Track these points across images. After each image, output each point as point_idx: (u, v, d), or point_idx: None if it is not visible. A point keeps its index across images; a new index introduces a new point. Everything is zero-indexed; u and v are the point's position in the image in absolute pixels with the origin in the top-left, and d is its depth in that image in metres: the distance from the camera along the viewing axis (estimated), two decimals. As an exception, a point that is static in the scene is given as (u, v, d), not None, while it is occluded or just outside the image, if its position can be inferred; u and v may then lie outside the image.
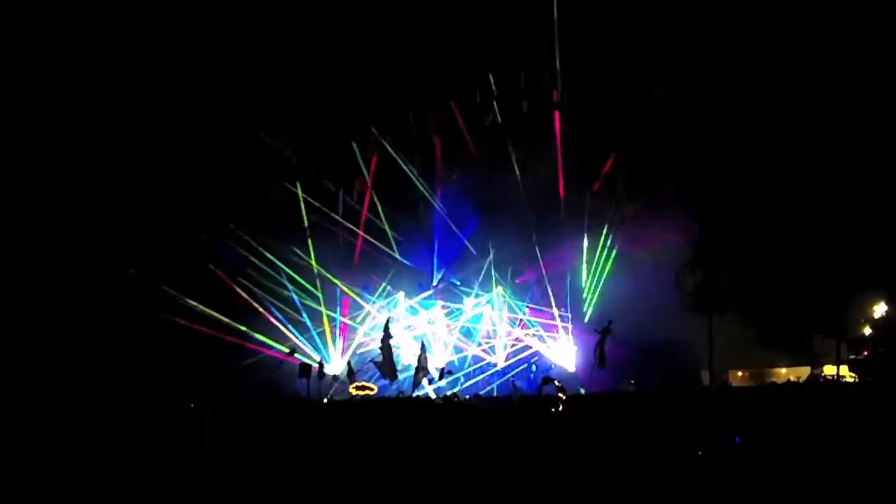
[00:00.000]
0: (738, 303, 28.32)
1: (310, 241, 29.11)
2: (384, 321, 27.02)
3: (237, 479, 9.84)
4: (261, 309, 28.05)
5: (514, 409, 15.83)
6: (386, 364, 25.96)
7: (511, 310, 30.05)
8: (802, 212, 26.56)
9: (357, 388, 25.78)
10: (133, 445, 11.42)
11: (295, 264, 28.96)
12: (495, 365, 29.61)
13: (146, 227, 26.03)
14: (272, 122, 27.87)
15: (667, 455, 9.31)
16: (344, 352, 29.23)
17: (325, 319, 29.07)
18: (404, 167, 29.52)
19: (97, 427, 12.87)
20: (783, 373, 29.82)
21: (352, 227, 29.83)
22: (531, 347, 29.60)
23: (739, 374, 31.76)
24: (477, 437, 11.59)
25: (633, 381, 24.74)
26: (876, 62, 24.99)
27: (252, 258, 28.32)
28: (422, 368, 25.66)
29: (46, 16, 24.79)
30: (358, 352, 29.02)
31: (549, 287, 29.05)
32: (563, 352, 28.99)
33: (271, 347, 27.61)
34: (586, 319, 28.60)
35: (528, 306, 29.65)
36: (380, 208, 29.83)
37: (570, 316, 28.97)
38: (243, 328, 27.55)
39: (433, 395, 25.81)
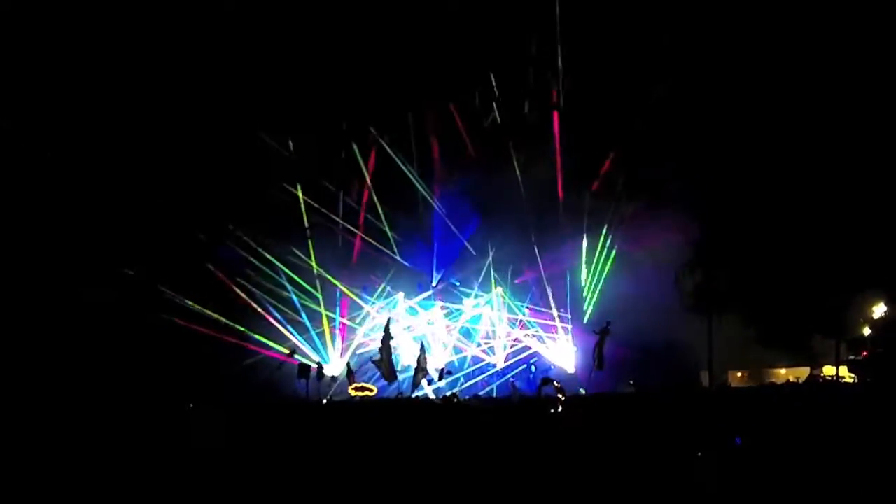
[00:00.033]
0: (738, 303, 28.33)
1: (310, 242, 29.08)
2: (384, 321, 26.99)
3: (236, 479, 9.83)
4: (260, 309, 28.03)
5: (514, 410, 15.81)
6: (385, 365, 25.93)
7: (510, 310, 30.06)
8: (802, 212, 26.56)
9: (356, 388, 25.75)
10: (131, 445, 11.40)
11: (294, 264, 28.93)
12: (494, 365, 29.63)
13: (144, 226, 26.01)
14: (271, 121, 27.87)
15: (666, 456, 9.31)
16: (343, 352, 29.22)
17: (325, 320, 29.06)
18: (403, 168, 29.51)
19: (95, 427, 12.85)
20: (782, 373, 29.81)
21: (350, 227, 29.81)
22: (530, 348, 29.64)
23: (739, 374, 31.76)
24: (476, 437, 11.57)
25: (632, 382, 24.73)
26: (876, 63, 24.99)
27: (251, 258, 28.31)
28: (421, 369, 25.64)
29: (45, 15, 24.77)
30: (357, 352, 29.00)
31: (548, 287, 29.07)
32: (563, 352, 29.00)
33: (270, 348, 27.60)
34: (586, 320, 28.61)
35: (527, 307, 29.67)
36: (379, 209, 29.80)
37: (569, 317, 28.99)
38: (241, 328, 27.53)
39: (432, 396, 25.79)
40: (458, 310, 30.39)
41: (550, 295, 28.98)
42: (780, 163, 26.50)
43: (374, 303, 29.90)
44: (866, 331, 26.39)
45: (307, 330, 28.69)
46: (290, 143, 28.88)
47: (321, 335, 29.01)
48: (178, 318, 26.41)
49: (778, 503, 8.54)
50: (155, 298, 26.45)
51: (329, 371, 27.84)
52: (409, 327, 30.01)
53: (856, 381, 24.70)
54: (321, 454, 10.88)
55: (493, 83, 28.64)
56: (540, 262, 29.07)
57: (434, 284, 30.23)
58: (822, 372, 27.75)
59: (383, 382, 26.64)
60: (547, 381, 15.39)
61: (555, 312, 28.99)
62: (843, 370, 26.78)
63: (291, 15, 26.33)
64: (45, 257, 24.65)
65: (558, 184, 28.91)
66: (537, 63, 28.27)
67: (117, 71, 25.55)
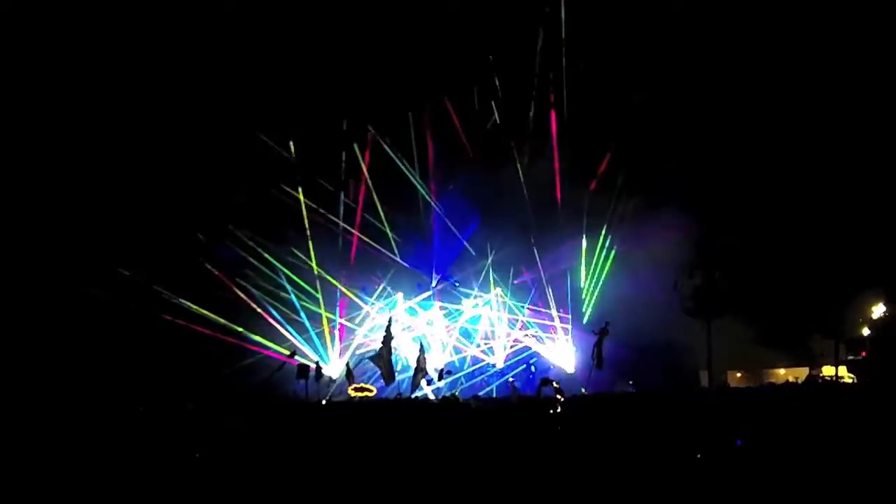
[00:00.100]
0: (737, 303, 28.36)
1: (309, 242, 29.06)
2: (384, 322, 26.97)
3: (235, 479, 9.82)
4: (259, 309, 28.02)
5: (513, 410, 15.80)
6: (385, 364, 25.91)
7: (510, 310, 30.06)
8: (801, 212, 26.58)
9: (356, 389, 25.71)
10: (130, 445, 11.39)
11: (293, 265, 28.91)
12: (494, 366, 29.63)
13: (144, 226, 26.00)
14: (271, 121, 27.85)
15: (666, 457, 9.31)
16: (342, 353, 29.21)
17: (325, 320, 29.04)
18: (403, 168, 29.51)
19: (94, 427, 12.84)
20: (782, 374, 29.86)
21: (349, 227, 29.79)
22: (530, 348, 29.64)
23: (738, 374, 31.80)
24: (475, 437, 11.57)
25: (631, 382, 24.74)
26: (875, 63, 25.01)
27: (250, 259, 28.30)
28: (420, 370, 25.61)
29: (45, 15, 24.76)
30: (357, 353, 28.99)
31: (547, 288, 29.08)
32: (562, 353, 29.00)
33: (269, 348, 27.58)
34: (585, 320, 28.62)
35: (527, 307, 29.67)
36: (379, 209, 29.78)
37: (569, 317, 29.00)
38: (240, 329, 27.51)
39: (432, 396, 25.77)
40: (457, 310, 30.40)
41: (550, 295, 29.01)
42: (780, 163, 26.52)
43: (373, 303, 29.89)
44: (865, 331, 26.43)
45: (306, 330, 28.69)
46: (291, 144, 28.88)
47: (320, 335, 29.01)
48: (177, 319, 26.42)
49: (777, 502, 8.54)
50: (153, 298, 26.44)
51: (328, 371, 27.81)
52: (408, 327, 30.01)
53: (855, 381, 24.73)
54: (320, 455, 10.87)
55: (497, 83, 28.62)
56: (539, 263, 29.09)
57: (433, 285, 30.22)
58: (821, 372, 27.77)
59: (382, 383, 26.63)
60: (546, 381, 15.42)
61: (554, 312, 29.00)
62: (843, 370, 26.81)
63: (291, 15, 26.33)
64: (44, 257, 24.64)
65: (557, 184, 28.95)
66: (538, 63, 28.28)
67: (117, 71, 25.54)
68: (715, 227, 27.63)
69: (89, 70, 25.30)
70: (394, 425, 13.07)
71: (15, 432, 12.12)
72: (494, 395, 27.49)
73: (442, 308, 30.29)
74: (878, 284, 26.11)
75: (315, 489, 9.60)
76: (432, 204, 30.09)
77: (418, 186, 29.95)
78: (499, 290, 30.11)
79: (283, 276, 28.67)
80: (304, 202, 29.21)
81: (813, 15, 25.00)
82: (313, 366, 25.56)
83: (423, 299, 30.24)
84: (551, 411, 13.00)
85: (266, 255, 28.45)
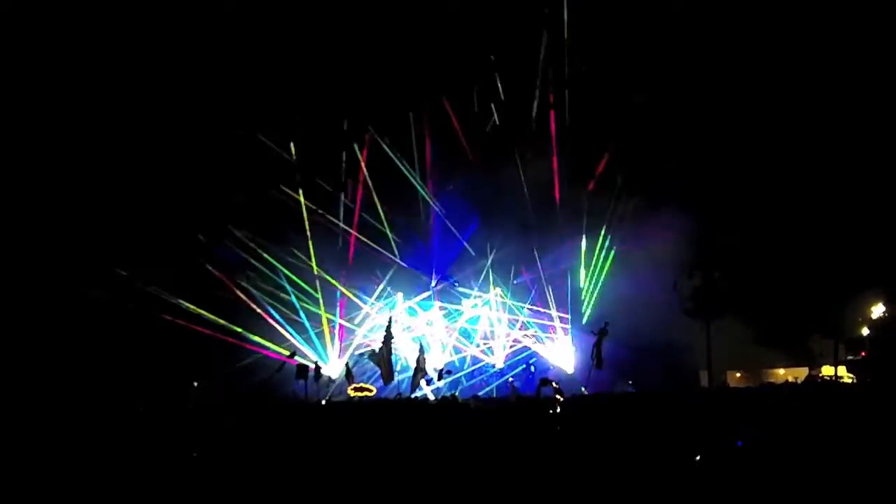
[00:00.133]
0: (737, 304, 28.36)
1: (310, 243, 29.05)
2: (385, 321, 26.97)
3: (234, 479, 9.81)
4: (258, 310, 28.01)
5: (512, 411, 15.80)
6: (385, 364, 25.91)
7: (509, 311, 30.06)
8: (800, 212, 26.59)
9: (355, 389, 25.71)
10: (128, 445, 11.39)
11: (293, 265, 28.91)
12: (494, 366, 29.63)
13: (143, 226, 26.00)
14: (271, 121, 27.84)
15: (666, 457, 9.30)
16: (342, 353, 29.20)
17: (325, 321, 29.04)
18: (403, 168, 29.50)
19: (92, 427, 12.83)
20: (781, 374, 29.87)
21: (348, 228, 29.78)
22: (529, 348, 29.64)
23: (738, 375, 31.80)
24: (474, 438, 11.56)
25: (631, 382, 24.75)
26: (875, 63, 25.02)
27: (250, 259, 28.30)
28: (420, 370, 25.61)
29: (45, 15, 24.74)
30: (357, 353, 28.98)
31: (547, 288, 29.08)
32: (562, 353, 29.00)
33: (269, 349, 27.58)
34: (585, 320, 28.62)
35: (526, 307, 29.67)
36: (379, 209, 29.77)
37: (569, 317, 29.00)
38: (238, 329, 27.51)
39: (431, 397, 25.76)
40: (457, 310, 30.39)
41: (549, 295, 29.01)
42: (779, 163, 26.53)
43: (373, 304, 29.88)
44: (865, 331, 26.45)
45: (306, 330, 28.69)
46: (292, 145, 28.88)
47: (320, 335, 29.00)
48: (177, 319, 26.42)
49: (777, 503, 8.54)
50: (153, 299, 26.43)
51: (327, 371, 27.80)
52: (408, 328, 30.00)
53: (854, 381, 24.74)
54: (319, 454, 10.86)
55: (498, 83, 28.59)
56: (539, 263, 29.11)
57: (433, 285, 30.22)
58: (820, 372, 27.78)
59: (382, 383, 26.63)
60: (546, 381, 15.40)
61: (554, 313, 29.00)
62: (842, 370, 26.82)
63: (291, 15, 26.32)
64: (44, 257, 24.63)
65: (556, 184, 28.96)
66: (540, 63, 28.30)
67: (117, 71, 25.53)
68: (714, 228, 27.64)
69: (89, 70, 25.29)
70: (393, 425, 13.06)
71: (14, 432, 12.11)
72: (494, 395, 27.48)
73: (441, 308, 30.29)
74: (877, 284, 26.14)
75: (314, 489, 9.59)
76: (432, 204, 30.10)
77: (418, 187, 29.97)
78: (498, 290, 30.12)
79: (282, 277, 28.68)
80: (304, 203, 29.21)
81: (813, 15, 25.00)
82: (312, 366, 25.57)
83: (423, 299, 30.23)
84: (550, 411, 12.98)
85: (266, 256, 28.45)
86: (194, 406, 18.74)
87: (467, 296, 30.36)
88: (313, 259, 29.04)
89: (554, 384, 14.68)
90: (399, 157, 29.26)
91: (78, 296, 24.52)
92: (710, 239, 27.92)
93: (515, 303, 29.96)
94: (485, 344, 30.04)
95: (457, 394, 25.84)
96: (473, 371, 29.75)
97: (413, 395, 25.15)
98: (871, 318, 26.26)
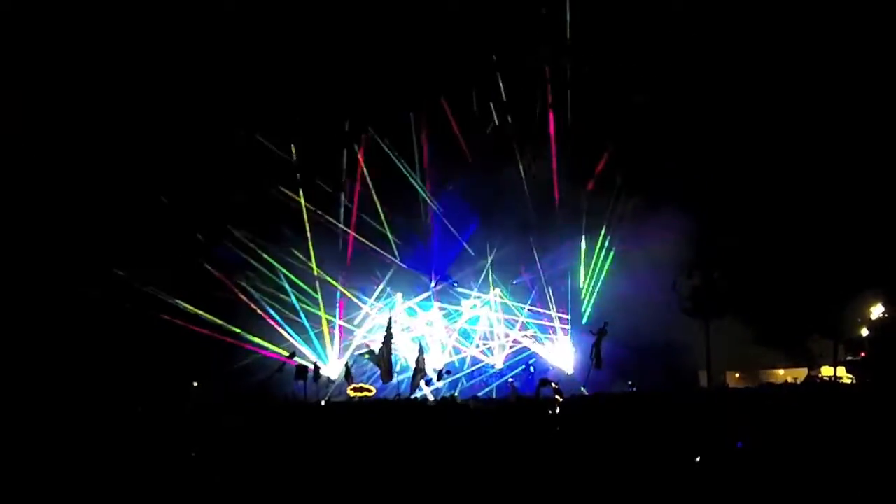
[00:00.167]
0: (736, 304, 28.36)
1: (309, 243, 29.04)
2: (384, 321, 26.98)
3: (230, 479, 9.80)
4: (258, 310, 28.00)
5: (512, 411, 15.79)
6: (384, 363, 25.92)
7: (509, 311, 30.05)
8: (800, 213, 26.59)
9: (355, 389, 25.71)
10: (126, 445, 11.37)
11: (292, 265, 28.90)
12: (493, 366, 29.62)
13: (142, 226, 25.98)
14: (270, 121, 27.83)
15: (665, 458, 9.30)
16: (341, 353, 29.18)
17: (324, 321, 29.03)
18: (403, 169, 29.50)
19: (91, 427, 12.82)
20: (780, 374, 29.87)
21: (346, 228, 29.77)
22: (529, 349, 29.63)
23: (737, 375, 31.79)
24: (473, 438, 11.55)
25: (630, 383, 24.72)
26: (875, 63, 25.02)
27: (249, 259, 28.29)
28: (420, 370, 25.61)
29: (44, 15, 24.73)
30: (356, 353, 28.98)
31: (547, 288, 29.08)
32: (561, 353, 29.00)
33: (268, 349, 27.57)
34: (584, 320, 28.63)
35: (526, 307, 29.66)
36: (379, 208, 29.75)
37: (568, 317, 29.00)
38: (237, 329, 27.49)
39: (431, 397, 25.75)
40: (456, 311, 30.38)
41: (549, 296, 29.01)
42: (779, 163, 26.53)
43: (372, 304, 29.87)
44: (864, 331, 26.43)
45: (306, 330, 28.68)
46: (292, 145, 28.87)
47: (319, 336, 28.99)
48: (176, 319, 26.42)
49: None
50: (152, 299, 26.42)
51: (326, 372, 27.80)
52: (407, 328, 29.99)
53: (854, 381, 24.74)
54: (318, 454, 10.85)
55: (500, 84, 28.58)
56: (538, 263, 29.11)
57: (432, 285, 30.21)
58: (819, 373, 27.77)
59: (381, 383, 26.62)
60: (545, 382, 15.37)
61: (553, 313, 29.00)
62: (841, 371, 26.81)
63: (291, 15, 26.30)
64: (43, 257, 24.61)
65: (555, 184, 28.97)
66: (541, 64, 28.28)
67: (117, 71, 25.51)
68: (714, 228, 27.64)
69: (89, 70, 25.27)
70: (392, 426, 13.05)
71: (13, 432, 12.10)
72: (494, 395, 27.47)
73: (441, 309, 30.29)
74: (876, 285, 26.13)
75: (313, 489, 9.58)
76: (431, 204, 30.09)
77: (418, 188, 29.97)
78: (498, 290, 30.12)
79: (282, 277, 28.67)
80: (304, 203, 29.20)
81: (813, 15, 25.01)
82: (311, 367, 25.57)
83: (422, 300, 30.23)
84: (550, 412, 12.96)
85: (265, 256, 28.43)
86: (193, 406, 18.69)
87: (467, 296, 30.36)
88: (313, 259, 29.03)
89: (553, 384, 14.65)
90: (399, 158, 29.27)
91: (76, 296, 24.49)
92: (709, 239, 27.93)
93: (515, 303, 29.97)
94: (484, 344, 30.04)
95: (456, 394, 25.86)
96: (473, 371, 29.74)
97: (413, 396, 25.15)
98: (870, 319, 26.25)
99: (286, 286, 28.66)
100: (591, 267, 29.46)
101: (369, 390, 25.49)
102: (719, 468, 9.03)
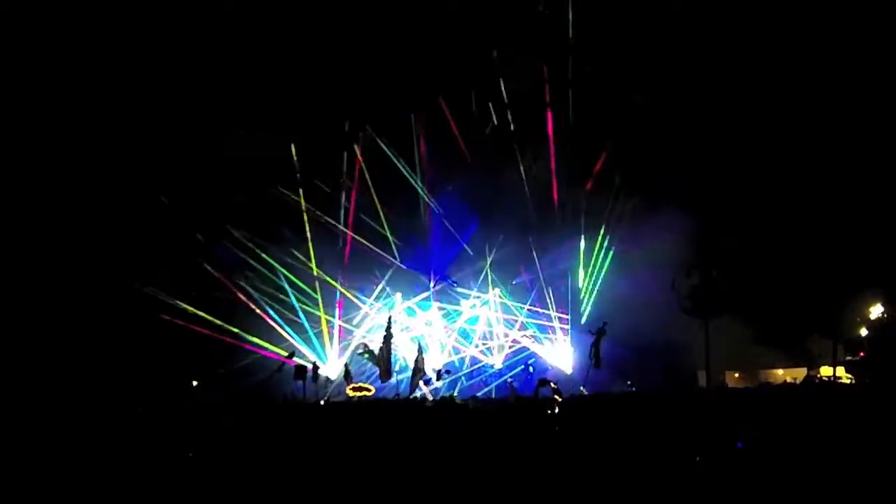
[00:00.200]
0: (735, 303, 28.36)
1: (309, 244, 29.03)
2: (384, 321, 27.00)
3: (228, 479, 9.80)
4: (257, 310, 28.00)
5: (511, 411, 15.78)
6: (383, 362, 25.94)
7: (508, 311, 30.05)
8: (799, 212, 26.59)
9: (354, 388, 25.72)
10: (126, 445, 11.37)
11: (292, 265, 28.90)
12: (493, 366, 29.63)
13: (142, 226, 25.98)
14: (270, 121, 27.82)
15: (665, 458, 9.29)
16: (341, 353, 29.18)
17: (324, 321, 29.02)
18: (402, 169, 29.49)
19: (90, 427, 12.81)
20: (779, 374, 29.86)
21: (344, 229, 29.75)
22: (528, 349, 29.63)
23: (736, 375, 31.78)
24: (472, 438, 11.55)
25: (629, 383, 24.75)
26: (875, 63, 25.02)
27: (248, 259, 28.28)
28: (419, 370, 25.62)
29: (44, 15, 24.72)
30: (355, 352, 28.98)
31: (546, 288, 29.08)
32: (561, 353, 29.00)
33: (267, 349, 27.57)
34: (584, 320, 28.63)
35: (525, 307, 29.67)
36: (379, 209, 29.73)
37: (568, 317, 29.00)
38: (235, 329, 27.48)
39: (430, 397, 25.75)
40: (455, 311, 30.38)
41: (549, 295, 29.01)
42: (778, 163, 26.53)
43: (371, 304, 29.87)
44: (863, 331, 26.41)
45: (305, 330, 28.68)
46: (292, 145, 28.87)
47: (319, 335, 28.99)
48: (175, 319, 26.42)
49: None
50: (151, 299, 26.42)
51: (325, 371, 27.80)
52: (406, 328, 29.99)
53: (853, 381, 24.72)
54: (316, 454, 10.84)
55: (502, 84, 28.56)
56: (538, 263, 29.12)
57: (432, 285, 30.20)
58: (819, 373, 27.76)
59: (380, 382, 26.63)
60: (544, 382, 15.34)
61: (553, 313, 29.00)
62: (841, 371, 26.80)
63: (291, 14, 26.30)
64: (42, 257, 24.60)
65: (553, 184, 28.98)
66: (542, 63, 28.27)
67: (116, 70, 25.52)
68: (713, 227, 27.64)
69: (88, 70, 25.27)
70: (391, 425, 13.04)
71: (12, 432, 12.09)
72: (493, 395, 27.47)
73: (440, 309, 30.28)
74: (876, 285, 26.11)
75: (312, 489, 9.57)
76: (431, 205, 30.08)
77: (418, 188, 29.96)
78: (497, 290, 30.12)
79: (281, 277, 28.66)
80: (304, 204, 29.19)
81: (813, 15, 25.01)
82: (310, 366, 25.58)
83: (422, 300, 30.22)
84: (549, 412, 12.95)
85: (264, 256, 28.43)
86: (191, 406, 18.69)
87: (466, 296, 30.36)
88: (313, 260, 29.02)
89: (552, 384, 14.63)
90: (398, 158, 29.26)
91: (76, 296, 24.49)
92: (709, 239, 27.92)
93: (514, 303, 29.96)
94: (483, 344, 30.04)
95: (455, 394, 25.86)
96: (472, 371, 29.74)
97: (412, 396, 25.16)
98: (869, 319, 26.22)
99: (286, 286, 28.66)
100: (591, 267, 29.48)
101: (368, 390, 25.51)
102: (719, 468, 9.03)
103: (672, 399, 15.27)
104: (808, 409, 13.05)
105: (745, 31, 25.85)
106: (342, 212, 29.97)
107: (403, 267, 29.93)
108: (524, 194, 29.20)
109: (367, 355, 26.84)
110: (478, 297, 30.26)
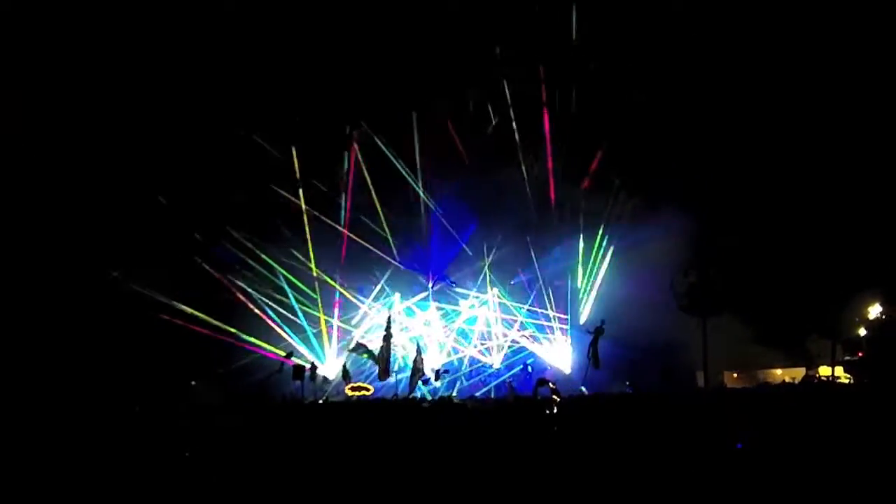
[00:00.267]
0: (734, 304, 28.36)
1: (309, 244, 29.02)
2: (383, 321, 26.97)
3: (226, 479, 9.79)
4: (255, 310, 27.98)
5: (510, 411, 15.78)
6: (382, 362, 25.92)
7: (507, 311, 30.04)
8: (798, 212, 26.60)
9: (353, 388, 25.72)
10: (125, 445, 11.36)
11: (291, 265, 28.87)
12: (491, 366, 29.62)
13: (141, 226, 25.96)
14: (270, 121, 27.81)
15: (664, 458, 9.29)
16: (339, 353, 29.16)
17: (322, 321, 29.00)
18: (401, 169, 29.48)
19: (89, 426, 12.80)
20: (778, 374, 29.85)
21: (342, 228, 29.71)
22: (527, 349, 29.63)
23: (734, 375, 31.77)
24: (471, 438, 11.54)
25: (628, 383, 24.76)
26: (875, 63, 25.03)
27: (247, 259, 28.26)
28: (418, 370, 25.60)
29: (44, 15, 24.70)
30: (350, 350, 28.94)
31: (545, 288, 29.09)
32: (559, 353, 29.00)
33: (265, 349, 27.55)
34: (582, 320, 28.63)
35: (524, 307, 29.66)
36: (378, 209, 29.72)
37: (567, 317, 29.00)
38: (235, 329, 27.47)
39: (429, 397, 25.75)
40: (454, 311, 30.37)
41: (549, 295, 29.01)
42: (777, 163, 26.54)
43: (370, 304, 29.85)
44: (862, 331, 26.42)
45: (303, 330, 28.66)
46: (292, 147, 28.86)
47: (318, 335, 28.97)
48: (174, 318, 26.40)
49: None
50: (150, 299, 26.39)
51: (323, 371, 27.78)
52: (405, 328, 29.98)
53: (851, 381, 24.74)
54: (315, 454, 10.83)
55: (505, 85, 28.54)
56: (536, 263, 29.12)
57: (431, 286, 30.20)
58: (817, 372, 27.78)
59: (379, 382, 26.61)
60: (543, 382, 15.34)
61: (551, 313, 29.00)
62: (839, 371, 26.81)
63: (291, 15, 26.28)
64: (41, 257, 24.58)
65: (551, 184, 28.99)
66: (538, 62, 28.27)
67: (116, 71, 25.49)
68: (712, 227, 27.64)
69: (88, 70, 25.24)
70: (390, 425, 13.04)
71: (11, 432, 12.08)
72: (492, 395, 27.47)
73: (439, 309, 30.27)
74: (874, 285, 26.12)
75: (311, 489, 9.56)
76: (430, 205, 30.08)
77: (418, 189, 29.95)
78: (496, 290, 30.11)
79: (280, 277, 28.64)
80: (303, 204, 29.18)
81: (812, 15, 25.01)
82: (309, 366, 25.57)
83: (421, 300, 30.21)
84: (547, 412, 12.94)
85: (263, 256, 28.41)
86: (189, 406, 18.67)
87: (465, 296, 30.35)
88: (312, 260, 29.01)
89: (551, 384, 14.62)
90: (398, 158, 29.26)
91: (75, 296, 24.47)
92: (708, 239, 27.92)
93: (513, 303, 29.96)
94: (482, 344, 30.03)
95: (454, 394, 25.86)
96: (471, 371, 29.73)
97: (411, 396, 25.15)
98: (868, 319, 26.24)
99: (285, 286, 28.63)
100: (589, 267, 29.48)
101: (367, 389, 25.51)
102: (718, 468, 9.03)
103: (670, 400, 15.27)
104: (807, 409, 13.06)
105: (745, 31, 25.86)
106: (341, 212, 29.94)
107: (402, 267, 29.91)
108: (524, 194, 29.22)
109: (365, 355, 26.80)
110: (476, 297, 30.25)
